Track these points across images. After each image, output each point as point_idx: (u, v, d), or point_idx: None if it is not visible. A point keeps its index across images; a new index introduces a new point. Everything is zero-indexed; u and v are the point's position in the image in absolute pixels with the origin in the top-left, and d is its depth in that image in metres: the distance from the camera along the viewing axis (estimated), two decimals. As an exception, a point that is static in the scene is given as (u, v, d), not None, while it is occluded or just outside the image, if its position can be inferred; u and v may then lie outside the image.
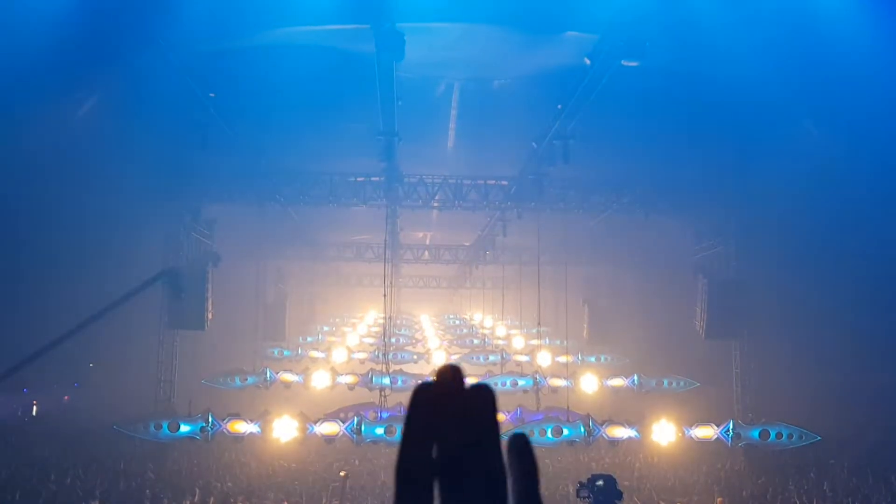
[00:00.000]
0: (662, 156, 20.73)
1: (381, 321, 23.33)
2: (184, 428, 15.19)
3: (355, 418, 14.96)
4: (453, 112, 18.42)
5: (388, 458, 19.01)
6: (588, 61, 13.00)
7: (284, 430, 15.13)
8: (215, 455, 19.63)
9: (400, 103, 15.32)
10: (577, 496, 9.52)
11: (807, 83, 15.67)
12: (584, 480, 9.05)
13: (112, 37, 14.24)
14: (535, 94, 16.63)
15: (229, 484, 16.04)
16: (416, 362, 26.99)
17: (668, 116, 17.47)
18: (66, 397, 35.93)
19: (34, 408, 32.60)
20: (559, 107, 16.13)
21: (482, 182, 23.04)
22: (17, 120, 16.47)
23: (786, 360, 26.42)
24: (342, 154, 20.75)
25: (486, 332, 34.77)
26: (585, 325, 34.29)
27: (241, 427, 15.33)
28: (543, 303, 32.74)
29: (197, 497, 14.98)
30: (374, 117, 16.61)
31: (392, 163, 19.34)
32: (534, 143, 18.80)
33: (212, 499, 14.88)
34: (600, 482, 8.99)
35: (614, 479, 9.23)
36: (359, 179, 22.63)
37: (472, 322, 38.84)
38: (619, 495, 9.33)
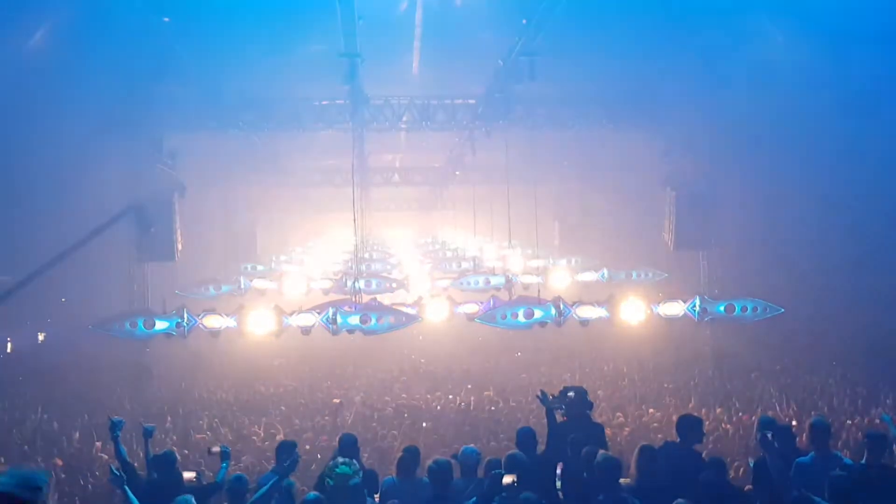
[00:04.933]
0: (631, 69, 20.49)
1: (354, 241, 23.15)
2: (159, 325, 14.88)
3: (330, 309, 15.01)
4: (417, 30, 17.98)
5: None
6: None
7: (260, 322, 14.95)
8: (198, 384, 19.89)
9: (361, 22, 14.91)
10: (550, 407, 9.73)
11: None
12: (556, 393, 9.28)
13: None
14: (500, 9, 16.27)
15: (208, 413, 16.32)
16: (389, 272, 27.15)
17: (636, 29, 17.22)
18: (40, 334, 35.84)
19: (9, 345, 32.56)
20: (524, 21, 15.83)
21: (449, 102, 22.75)
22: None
23: (752, 269, 26.96)
24: (305, 77, 20.26)
25: (458, 246, 34.65)
26: (556, 241, 34.64)
27: (217, 322, 15.06)
28: (514, 220, 32.90)
29: (178, 426, 15.22)
30: (335, 38, 16.17)
31: (356, 85, 18.97)
32: (500, 61, 18.50)
33: (199, 422, 15.13)
34: (571, 393, 9.24)
35: (584, 391, 9.50)
36: (323, 103, 22.21)
37: (444, 239, 38.64)
38: (590, 406, 9.64)
